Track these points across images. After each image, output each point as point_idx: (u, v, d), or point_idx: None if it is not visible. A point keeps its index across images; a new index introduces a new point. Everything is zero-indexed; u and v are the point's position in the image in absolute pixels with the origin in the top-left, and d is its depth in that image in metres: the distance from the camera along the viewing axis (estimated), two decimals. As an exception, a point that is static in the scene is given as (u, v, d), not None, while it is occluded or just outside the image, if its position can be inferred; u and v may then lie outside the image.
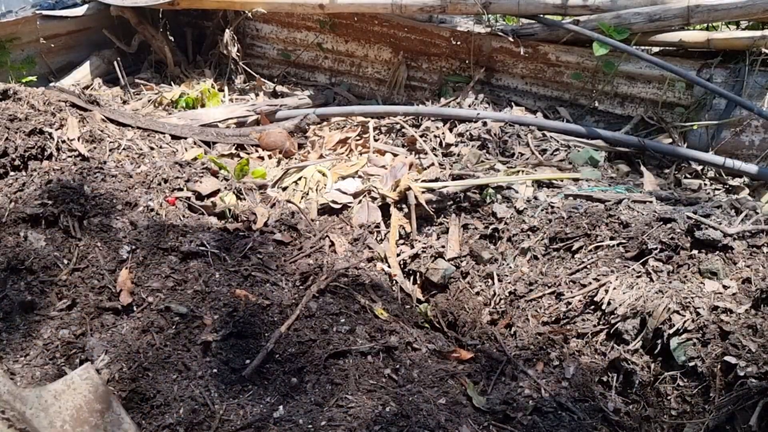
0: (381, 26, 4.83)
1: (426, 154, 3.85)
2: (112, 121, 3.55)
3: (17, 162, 3.00)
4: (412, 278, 3.14)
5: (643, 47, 4.06)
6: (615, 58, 4.03)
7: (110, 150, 3.26)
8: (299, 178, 3.70)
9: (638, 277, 2.54)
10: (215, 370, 2.17)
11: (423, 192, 3.28)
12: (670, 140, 3.91)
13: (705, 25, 4.01)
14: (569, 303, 2.60)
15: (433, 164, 3.67)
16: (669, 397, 2.21)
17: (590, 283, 2.61)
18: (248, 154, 4.08)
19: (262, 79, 5.23)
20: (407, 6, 4.37)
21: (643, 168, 3.67)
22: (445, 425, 2.06)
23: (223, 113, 4.42)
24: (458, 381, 2.31)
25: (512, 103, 4.42)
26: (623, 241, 2.71)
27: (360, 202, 3.41)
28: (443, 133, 4.05)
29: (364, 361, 2.29)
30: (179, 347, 2.23)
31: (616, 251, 2.69)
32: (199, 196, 3.10)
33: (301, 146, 4.25)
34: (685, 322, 2.28)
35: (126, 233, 2.66)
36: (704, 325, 2.24)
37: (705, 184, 3.64)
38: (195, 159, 3.51)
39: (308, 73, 5.37)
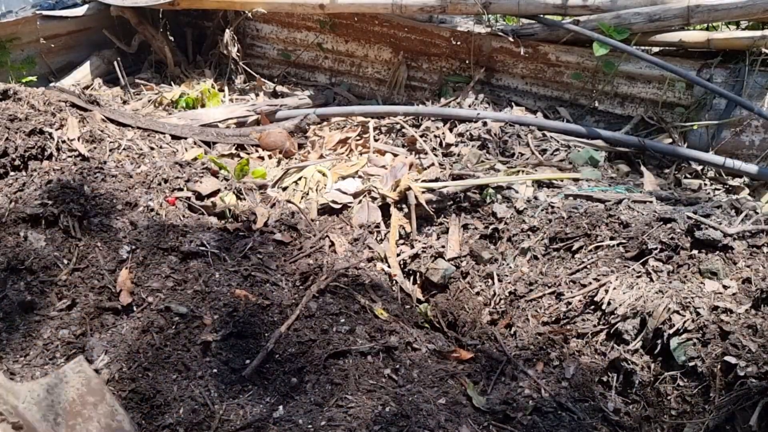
0: (381, 26, 4.83)
1: (426, 154, 3.85)
2: (112, 121, 3.55)
3: (17, 162, 3.00)
4: (412, 278, 3.14)
5: (643, 47, 4.05)
6: (615, 58, 4.03)
7: (110, 150, 3.26)
8: (299, 178, 3.70)
9: (638, 277, 2.54)
10: (215, 370, 2.17)
11: (423, 192, 3.28)
12: (670, 140, 3.91)
13: (705, 25, 4.01)
14: (569, 303, 2.60)
15: (433, 164, 3.67)
16: (669, 397, 2.21)
17: (590, 283, 2.61)
18: (248, 154, 4.08)
19: (262, 79, 5.23)
20: (407, 6, 4.37)
21: (643, 168, 3.67)
22: (445, 425, 2.06)
23: (223, 113, 4.42)
24: (458, 381, 2.31)
25: (512, 103, 4.42)
26: (623, 241, 2.71)
27: (360, 202, 3.41)
28: (443, 133, 4.05)
29: (364, 361, 2.29)
30: (179, 347, 2.23)
31: (616, 251, 2.69)
32: (199, 196, 3.10)
33: (301, 146, 4.25)
34: (685, 322, 2.28)
35: (126, 233, 2.67)
36: (704, 325, 2.24)
37: (705, 184, 3.64)
38: (195, 159, 3.51)
39: (308, 73, 5.37)
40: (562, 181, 3.41)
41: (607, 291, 2.53)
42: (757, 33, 3.72)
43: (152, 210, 2.86)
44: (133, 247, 2.60)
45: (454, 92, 4.60)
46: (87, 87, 4.86)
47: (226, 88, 5.03)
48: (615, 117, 4.24)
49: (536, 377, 2.34)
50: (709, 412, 2.07)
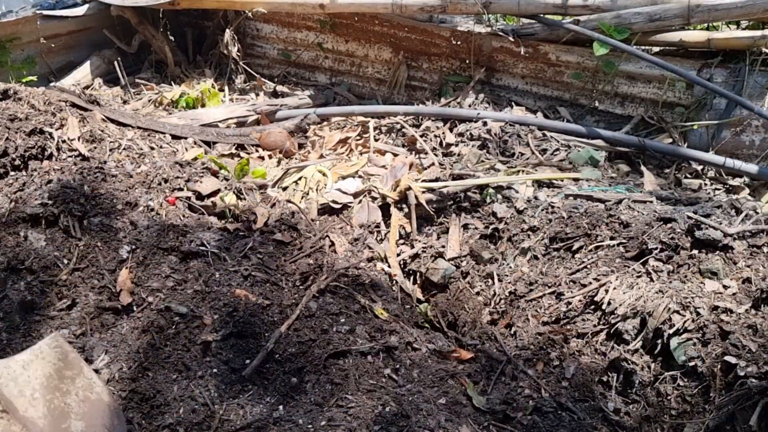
0: (381, 26, 4.83)
1: (426, 154, 3.85)
2: (112, 120, 3.55)
3: (17, 162, 3.00)
4: (412, 278, 3.14)
5: (643, 47, 4.05)
6: (615, 58, 4.03)
7: (110, 150, 3.26)
8: (299, 178, 3.70)
9: (638, 277, 2.54)
10: (215, 370, 2.17)
11: (423, 192, 3.28)
12: (671, 140, 3.91)
13: (705, 24, 4.00)
14: (569, 303, 2.60)
15: (433, 164, 3.67)
16: (669, 397, 2.20)
17: (590, 283, 2.61)
18: (248, 154, 4.08)
19: (263, 79, 5.23)
20: (407, 6, 4.37)
21: (643, 168, 3.67)
22: (445, 425, 2.06)
23: (223, 113, 4.42)
24: (458, 381, 2.31)
25: (512, 103, 4.42)
26: (623, 241, 2.71)
27: (360, 202, 3.41)
28: (443, 133, 4.05)
29: (364, 361, 2.29)
30: (179, 347, 2.23)
31: (617, 251, 2.69)
32: (200, 196, 3.10)
33: (301, 146, 4.25)
34: (685, 322, 2.28)
35: (126, 233, 2.67)
36: (704, 325, 2.24)
37: (705, 184, 3.64)
38: (195, 159, 3.51)
39: (308, 73, 5.37)
40: (562, 181, 3.41)
41: (607, 291, 2.53)
42: (758, 33, 3.72)
43: (152, 210, 2.86)
44: (133, 247, 2.60)
45: (454, 92, 4.60)
46: (87, 87, 4.87)
47: (226, 88, 5.03)
48: (615, 117, 4.24)
49: (536, 377, 2.34)
50: (709, 412, 2.07)
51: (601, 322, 2.49)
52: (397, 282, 3.00)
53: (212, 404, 2.06)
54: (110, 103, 4.42)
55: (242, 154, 4.05)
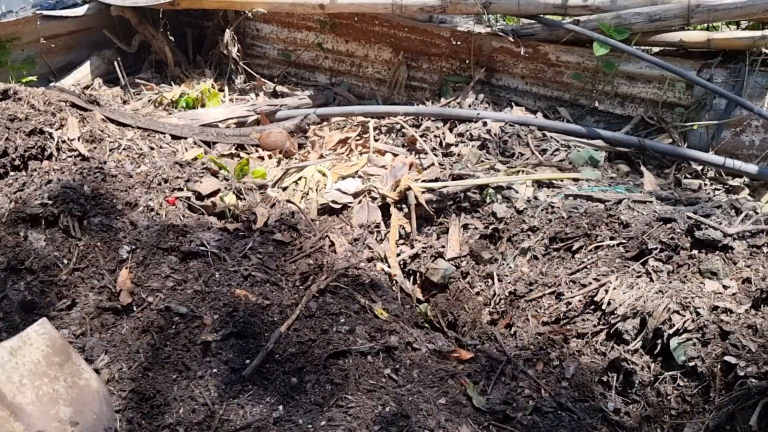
0: (381, 26, 4.83)
1: (426, 154, 3.85)
2: (112, 121, 3.55)
3: (17, 162, 3.00)
4: (412, 278, 3.14)
5: (643, 47, 4.05)
6: (615, 58, 4.03)
7: (110, 150, 3.26)
8: (299, 178, 3.70)
9: (638, 277, 2.54)
10: (215, 370, 2.17)
11: (423, 192, 3.28)
12: (670, 140, 3.91)
13: (705, 25, 4.00)
14: (569, 303, 2.60)
15: (433, 164, 3.67)
16: (669, 397, 2.21)
17: (590, 283, 2.61)
18: (248, 154, 4.08)
19: (263, 79, 5.23)
20: (407, 6, 4.37)
21: (643, 168, 3.67)
22: (445, 425, 2.06)
23: (223, 113, 4.42)
24: (458, 381, 2.31)
25: (512, 103, 4.42)
26: (623, 241, 2.71)
27: (360, 202, 3.41)
28: (443, 133, 4.05)
29: (364, 361, 2.29)
30: (179, 347, 2.23)
31: (616, 251, 2.69)
32: (199, 196, 3.10)
33: (301, 146, 4.25)
34: (685, 322, 2.28)
35: (126, 233, 2.66)
36: (704, 325, 2.24)
37: (705, 184, 3.64)
38: (195, 159, 3.51)
39: (308, 73, 5.37)
40: (562, 181, 3.41)
41: (607, 291, 2.53)
42: (757, 33, 3.72)
43: (152, 210, 2.86)
44: (133, 247, 2.60)
45: (454, 92, 4.60)
46: (87, 87, 4.87)
47: (226, 88, 5.03)
48: (615, 117, 4.24)
49: (536, 377, 2.34)
50: (709, 412, 2.07)
51: (601, 322, 2.49)
52: (397, 282, 3.00)
53: (212, 404, 2.06)
54: (110, 103, 4.42)
55: (242, 154, 4.05)
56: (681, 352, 2.23)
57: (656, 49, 4.18)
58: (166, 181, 3.08)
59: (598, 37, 3.87)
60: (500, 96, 4.55)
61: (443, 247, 3.13)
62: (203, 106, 4.70)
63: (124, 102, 4.72)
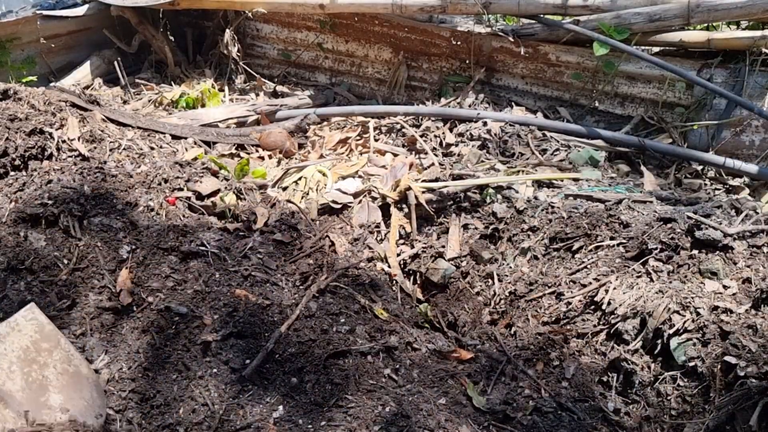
0: (381, 26, 4.83)
1: (426, 154, 3.85)
2: (112, 121, 3.55)
3: (17, 162, 3.00)
4: (412, 278, 3.14)
5: (643, 47, 4.05)
6: (615, 58, 4.03)
7: (110, 150, 3.26)
8: (299, 178, 3.70)
9: (638, 277, 2.54)
10: (215, 370, 2.17)
11: (423, 192, 3.28)
12: (670, 140, 3.91)
13: (705, 25, 4.00)
14: (569, 303, 2.60)
15: (433, 164, 3.67)
16: (669, 397, 2.21)
17: (590, 283, 2.61)
18: (248, 154, 4.08)
19: (263, 79, 5.23)
20: (407, 6, 4.37)
21: (643, 168, 3.67)
22: (445, 425, 2.06)
23: (223, 113, 4.42)
24: (458, 381, 2.31)
25: (512, 103, 4.42)
26: (623, 241, 2.71)
27: (360, 202, 3.41)
28: (443, 133, 4.05)
29: (364, 361, 2.29)
30: (179, 347, 2.23)
31: (617, 251, 2.69)
32: (200, 196, 3.10)
33: (301, 146, 4.25)
34: (685, 322, 2.28)
35: (126, 233, 2.66)
36: (704, 325, 2.24)
37: (705, 184, 3.64)
38: (195, 159, 3.51)
39: (308, 73, 5.37)
40: (562, 181, 3.41)
41: (607, 291, 2.53)
42: (758, 33, 3.72)
43: (152, 210, 2.86)
44: (133, 247, 2.60)
45: (454, 92, 4.60)
46: (87, 87, 4.87)
47: (226, 88, 5.03)
48: (615, 117, 4.24)
49: (536, 377, 2.34)
50: (709, 412, 2.07)
51: (601, 322, 2.49)
52: (397, 282, 3.00)
53: (212, 404, 2.06)
54: (110, 103, 4.42)
55: (242, 154, 4.05)
56: (681, 352, 2.23)
57: (656, 49, 4.18)
58: (166, 181, 3.08)
59: (598, 37, 3.87)
60: (500, 96, 4.55)
61: (443, 247, 3.13)
62: (203, 106, 4.70)
63: (124, 102, 4.72)
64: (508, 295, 2.81)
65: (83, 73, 5.00)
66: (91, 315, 2.35)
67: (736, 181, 3.66)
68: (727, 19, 3.85)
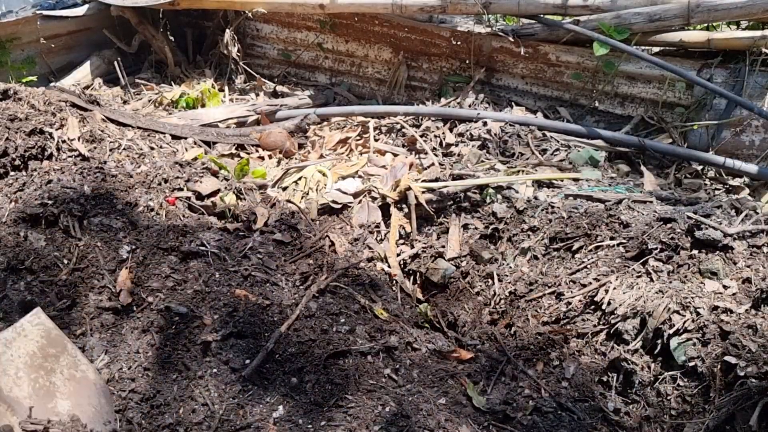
0: (381, 26, 4.83)
1: (426, 154, 3.85)
2: (112, 121, 3.55)
3: (17, 162, 3.00)
4: (412, 278, 3.14)
5: (643, 47, 4.05)
6: (615, 58, 4.03)
7: (110, 150, 3.26)
8: (299, 178, 3.70)
9: (638, 277, 2.54)
10: (215, 370, 2.17)
11: (423, 192, 3.28)
12: (670, 140, 3.91)
13: (705, 25, 4.00)
14: (569, 303, 2.60)
15: (433, 164, 3.67)
16: (669, 397, 2.21)
17: (590, 283, 2.61)
18: (248, 154, 4.08)
19: (263, 79, 5.23)
20: (407, 6, 4.37)
21: (643, 168, 3.67)
22: (445, 425, 2.06)
23: (223, 113, 4.42)
24: (458, 381, 2.31)
25: (512, 103, 4.42)
26: (623, 241, 2.71)
27: (360, 202, 3.41)
28: (443, 133, 4.05)
29: (364, 361, 2.29)
30: (179, 347, 2.23)
31: (617, 251, 2.69)
32: (199, 196, 3.10)
33: (301, 146, 4.25)
34: (685, 322, 2.28)
35: (126, 233, 2.66)
36: (704, 325, 2.24)
37: (705, 184, 3.64)
38: (195, 159, 3.51)
39: (308, 73, 5.38)
40: (562, 181, 3.41)
41: (607, 291, 2.53)
42: (758, 33, 3.72)
43: (152, 210, 2.86)
44: (133, 247, 2.60)
45: (454, 92, 4.60)
46: (87, 87, 4.87)
47: (226, 88, 5.03)
48: (615, 117, 4.24)
49: (536, 377, 2.34)
50: (709, 412, 2.07)
51: (601, 322, 2.49)
52: (397, 282, 3.00)
53: (212, 404, 2.06)
54: (110, 103, 4.42)
55: (242, 154, 4.05)
56: (681, 352, 2.23)
57: (656, 49, 4.18)
58: (166, 181, 3.08)
59: (598, 37, 3.87)
60: (500, 96, 4.55)
61: (443, 247, 3.13)
62: (203, 106, 4.70)
63: (124, 102, 4.72)
64: (508, 295, 2.81)
65: (83, 73, 5.00)
66: (91, 315, 2.35)
67: (736, 181, 3.66)
68: (727, 19, 3.85)
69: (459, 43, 4.57)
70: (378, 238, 3.25)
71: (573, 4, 4.08)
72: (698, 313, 2.28)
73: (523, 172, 3.51)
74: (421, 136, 4.06)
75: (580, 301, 2.58)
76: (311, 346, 2.29)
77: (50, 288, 2.42)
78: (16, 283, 2.39)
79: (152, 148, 3.47)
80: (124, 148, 3.32)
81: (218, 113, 4.41)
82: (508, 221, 3.11)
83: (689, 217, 2.64)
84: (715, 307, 2.28)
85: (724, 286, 2.37)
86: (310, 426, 2.02)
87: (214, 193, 3.16)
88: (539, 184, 3.38)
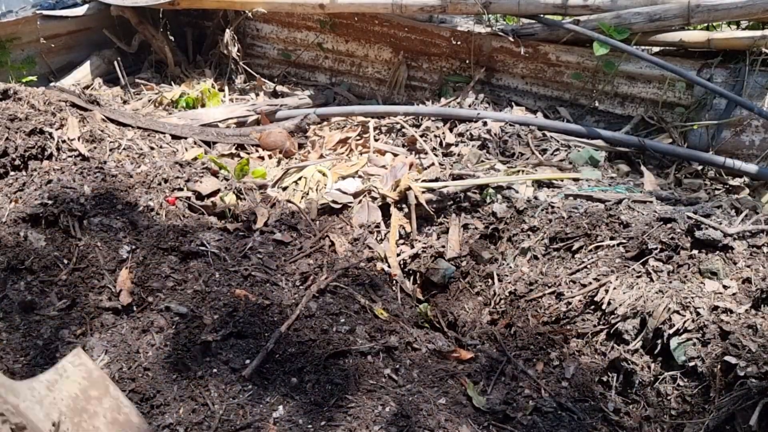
0: (381, 26, 4.83)
1: (426, 154, 3.85)
2: (112, 120, 3.55)
3: (17, 162, 3.00)
4: (412, 278, 3.14)
5: (643, 47, 4.05)
6: (615, 58, 4.03)
7: (110, 150, 3.26)
8: (299, 178, 3.70)
9: (638, 277, 2.54)
10: (215, 370, 2.17)
11: (423, 192, 3.28)
12: (670, 140, 3.91)
13: (705, 24, 4.00)
14: (569, 303, 2.60)
15: (433, 164, 3.67)
16: (669, 397, 2.21)
17: (590, 283, 2.61)
18: (248, 154, 4.08)
19: (263, 79, 5.23)
20: (407, 6, 4.37)
21: (643, 168, 3.67)
22: (445, 425, 2.06)
23: (223, 113, 4.42)
24: (458, 381, 2.31)
25: (512, 103, 4.42)
26: (623, 241, 2.71)
27: (360, 202, 3.41)
28: (443, 133, 4.05)
29: (364, 361, 2.29)
30: (179, 347, 2.23)
31: (617, 251, 2.69)
32: (199, 196, 3.10)
33: (301, 146, 4.25)
34: (685, 322, 2.28)
35: (126, 233, 2.67)
36: (704, 325, 2.24)
37: (705, 184, 3.64)
38: (195, 159, 3.51)
39: (308, 73, 5.37)
40: (562, 181, 3.41)
41: (607, 291, 2.53)
42: (758, 33, 3.72)
43: (152, 210, 2.86)
44: (133, 247, 2.60)
45: (454, 92, 4.60)
46: (87, 87, 4.87)
47: (226, 88, 5.03)
48: (615, 117, 4.24)
49: (536, 377, 2.34)
50: (709, 412, 2.07)
51: (601, 322, 2.49)
52: (397, 282, 3.00)
53: (212, 404, 2.06)
54: (110, 103, 4.42)
55: (242, 154, 4.05)
56: (681, 352, 2.23)
57: (656, 49, 4.18)
58: (166, 181, 3.08)
59: (598, 37, 3.87)
60: (500, 96, 4.55)
61: (443, 247, 3.13)
62: (203, 106, 4.70)
63: (124, 102, 4.72)
64: (508, 295, 2.81)
65: (83, 73, 5.00)
66: (91, 315, 2.35)
67: (736, 181, 3.66)
68: (727, 19, 3.85)
69: (459, 43, 4.57)
70: (378, 238, 3.25)
71: (573, 4, 4.08)
72: (698, 313, 2.28)
73: (523, 172, 3.51)
74: (421, 136, 4.06)
75: (580, 301, 2.58)
76: (311, 346, 2.29)
77: (50, 288, 2.42)
78: (16, 283, 2.39)
79: (152, 148, 3.47)
80: (124, 148, 3.32)
81: (218, 113, 4.41)
82: (508, 221, 3.11)
83: (689, 217, 2.64)
84: (715, 307, 2.28)
85: (724, 286, 2.37)
86: (310, 426, 2.02)
87: (214, 193, 3.16)
88: (539, 184, 3.38)
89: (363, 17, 4.84)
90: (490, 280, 2.94)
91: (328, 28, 5.06)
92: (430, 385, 2.27)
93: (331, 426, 2.02)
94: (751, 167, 3.55)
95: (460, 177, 3.37)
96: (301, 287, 2.63)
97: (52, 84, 4.60)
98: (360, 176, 3.72)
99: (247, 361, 2.20)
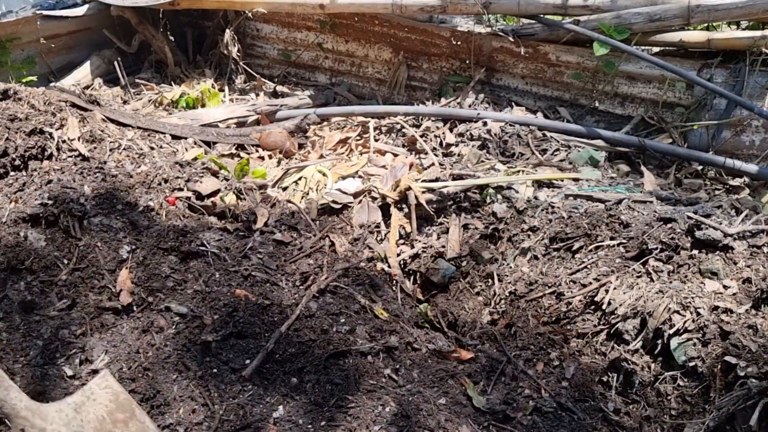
0: (381, 26, 4.83)
1: (426, 154, 3.85)
2: (112, 121, 3.55)
3: (17, 162, 3.00)
4: (412, 278, 3.14)
5: (643, 47, 4.05)
6: (615, 58, 4.03)
7: (110, 150, 3.26)
8: (299, 178, 3.70)
9: (638, 277, 2.54)
10: (215, 370, 2.17)
11: (423, 192, 3.28)
12: (671, 140, 3.91)
13: (705, 25, 4.00)
14: (569, 303, 2.60)
15: (433, 164, 3.67)
16: (669, 397, 2.20)
17: (590, 283, 2.61)
18: (248, 154, 4.08)
19: (263, 79, 5.23)
20: (407, 6, 4.37)
21: (643, 168, 3.67)
22: (445, 425, 2.06)
23: (223, 113, 4.42)
24: (458, 381, 2.31)
25: (512, 103, 4.42)
26: (623, 241, 2.71)
27: (360, 202, 3.41)
28: (443, 133, 4.05)
29: (364, 361, 2.29)
30: (179, 347, 2.23)
31: (617, 251, 2.69)
32: (200, 196, 3.10)
33: (301, 146, 4.25)
34: (685, 322, 2.28)
35: (126, 233, 2.66)
36: (704, 325, 2.24)
37: (705, 184, 3.64)
38: (195, 159, 3.51)
39: (308, 73, 5.38)
40: (562, 181, 3.41)
41: (607, 291, 2.53)
42: (758, 33, 3.72)
43: (152, 210, 2.86)
44: (133, 247, 2.60)
45: (454, 92, 4.60)
46: (87, 87, 4.87)
47: (226, 88, 5.03)
48: (615, 117, 4.24)
49: (536, 377, 2.34)
50: (709, 412, 2.07)
51: (601, 322, 2.49)
52: (397, 282, 3.00)
53: (212, 404, 2.06)
54: (110, 103, 4.42)
55: (242, 154, 4.05)
56: (681, 352, 2.23)
57: (656, 49, 4.18)
58: (166, 181, 3.08)
59: (598, 37, 3.87)
60: (500, 96, 4.55)
61: (443, 247, 3.13)
62: (203, 106, 4.70)
63: (124, 102, 4.72)
64: (508, 295, 2.81)
65: (83, 73, 5.00)
66: (91, 315, 2.35)
67: (736, 181, 3.66)
68: (727, 19, 3.85)
69: (459, 43, 4.57)
70: (378, 238, 3.25)
71: (573, 4, 4.08)
72: (698, 313, 2.28)
73: (523, 172, 3.51)
74: (421, 136, 4.06)
75: (580, 301, 2.58)
76: (311, 346, 2.29)
77: (50, 288, 2.42)
78: (16, 283, 2.39)
79: (152, 148, 3.47)
80: (124, 148, 3.32)
81: (218, 113, 4.41)
82: (508, 221, 3.11)
83: (689, 217, 2.64)
84: (716, 307, 2.28)
85: (725, 286, 2.37)
86: (310, 426, 2.02)
87: (214, 193, 3.16)
88: (539, 184, 3.38)
89: (363, 17, 4.84)
90: (490, 280, 2.94)
91: (328, 29, 5.06)
92: (430, 385, 2.27)
93: (332, 426, 2.02)
94: (752, 167, 3.55)
95: (460, 177, 3.38)
96: (301, 287, 2.63)
97: (52, 84, 4.60)
98: (360, 176, 3.72)
99: (247, 361, 2.20)
